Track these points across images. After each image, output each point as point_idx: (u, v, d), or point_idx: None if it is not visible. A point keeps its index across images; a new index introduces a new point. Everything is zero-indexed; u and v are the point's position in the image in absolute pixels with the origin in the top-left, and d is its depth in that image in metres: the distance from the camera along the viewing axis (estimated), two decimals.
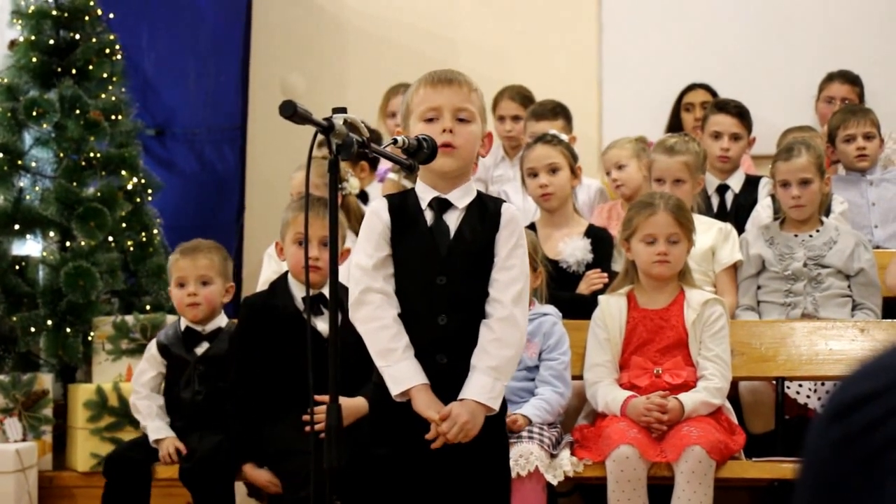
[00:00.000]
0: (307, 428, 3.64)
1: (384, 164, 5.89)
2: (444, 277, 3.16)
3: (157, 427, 4.42)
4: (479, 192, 3.31)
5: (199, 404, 4.43)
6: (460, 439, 3.07)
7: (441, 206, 3.22)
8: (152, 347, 4.60)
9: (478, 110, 3.26)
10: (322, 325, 4.03)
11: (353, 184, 5.39)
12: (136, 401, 4.55)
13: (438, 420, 3.07)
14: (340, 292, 3.92)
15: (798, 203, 4.90)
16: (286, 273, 4.33)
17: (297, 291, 4.21)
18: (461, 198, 3.23)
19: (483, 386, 3.11)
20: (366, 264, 3.17)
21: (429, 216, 3.22)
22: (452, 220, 3.22)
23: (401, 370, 3.11)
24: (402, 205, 3.25)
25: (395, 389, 3.12)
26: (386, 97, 6.70)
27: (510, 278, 3.20)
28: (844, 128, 5.71)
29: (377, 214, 3.24)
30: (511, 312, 3.17)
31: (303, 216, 3.95)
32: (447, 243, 3.19)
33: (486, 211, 3.25)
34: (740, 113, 5.79)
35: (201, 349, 4.53)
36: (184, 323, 4.57)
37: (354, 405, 3.97)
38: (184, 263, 4.55)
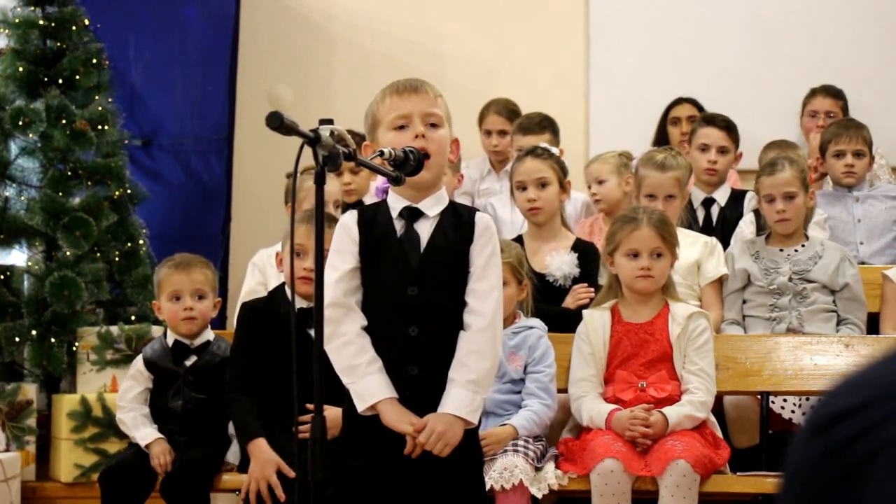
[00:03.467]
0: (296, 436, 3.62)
1: (382, 179, 5.87)
2: (415, 288, 3.15)
3: (144, 434, 4.40)
4: (451, 201, 3.30)
5: (189, 413, 4.43)
6: (440, 449, 3.06)
7: (412, 215, 3.21)
8: (138, 363, 4.56)
9: (445, 115, 3.27)
10: None
11: None
12: (121, 416, 4.52)
13: (413, 432, 3.06)
14: None
15: (783, 217, 4.91)
16: (284, 283, 4.34)
17: (296, 300, 4.20)
18: (433, 206, 3.22)
19: (462, 400, 3.10)
20: (330, 278, 3.15)
21: (399, 226, 3.21)
22: (424, 229, 3.21)
23: (365, 386, 3.10)
24: (373, 216, 3.24)
25: (360, 406, 3.11)
26: None
27: (488, 287, 3.18)
28: (835, 143, 5.73)
29: (345, 227, 3.23)
30: (491, 322, 3.15)
31: (304, 228, 3.97)
32: (418, 253, 3.18)
33: (459, 220, 3.23)
34: (728, 126, 5.81)
35: (190, 362, 4.52)
36: (171, 337, 4.56)
37: (337, 414, 3.97)
38: (178, 278, 4.54)
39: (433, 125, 3.21)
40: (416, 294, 3.14)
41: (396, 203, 3.23)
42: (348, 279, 3.18)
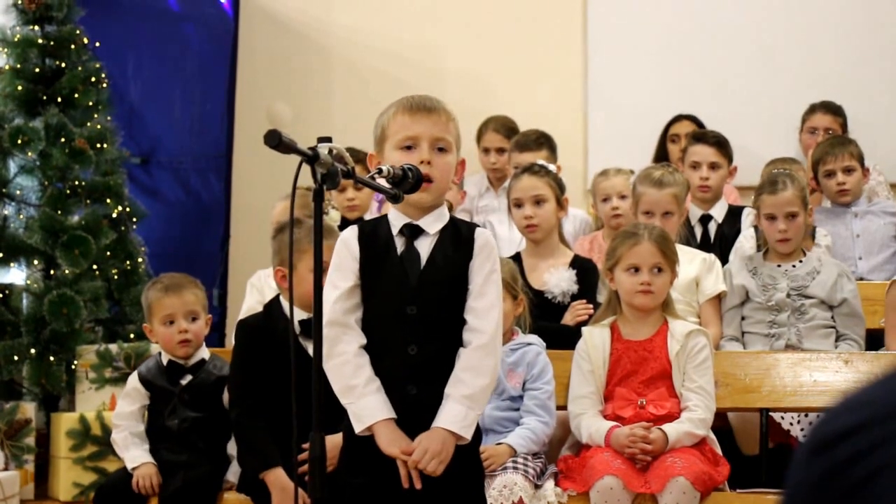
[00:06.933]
0: (300, 468, 3.57)
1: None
2: (414, 307, 3.12)
3: (133, 456, 4.39)
4: (452, 217, 3.27)
5: (185, 432, 4.42)
6: (434, 468, 3.03)
7: (412, 232, 3.19)
8: (133, 381, 4.54)
9: (454, 139, 3.23)
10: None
11: (332, 216, 5.44)
12: (114, 435, 4.51)
13: (401, 456, 3.04)
14: None
15: (785, 237, 4.91)
16: (278, 295, 4.32)
17: (297, 312, 4.18)
18: (433, 223, 3.19)
19: (456, 415, 3.07)
20: (330, 296, 3.13)
21: (399, 243, 3.18)
22: (424, 246, 3.18)
23: (362, 407, 3.08)
24: (373, 232, 3.22)
25: (358, 426, 3.08)
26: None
27: (488, 304, 3.15)
28: (824, 163, 5.74)
29: (346, 244, 3.20)
30: (490, 340, 3.12)
31: (327, 244, 3.96)
32: (418, 272, 3.15)
33: (459, 236, 3.20)
34: (718, 142, 5.81)
35: (185, 381, 4.50)
36: (166, 357, 4.54)
37: (335, 442, 3.97)
38: (170, 301, 4.51)
39: (441, 150, 3.18)
40: (416, 313, 3.11)
41: (397, 220, 3.21)
42: (347, 297, 3.15)
